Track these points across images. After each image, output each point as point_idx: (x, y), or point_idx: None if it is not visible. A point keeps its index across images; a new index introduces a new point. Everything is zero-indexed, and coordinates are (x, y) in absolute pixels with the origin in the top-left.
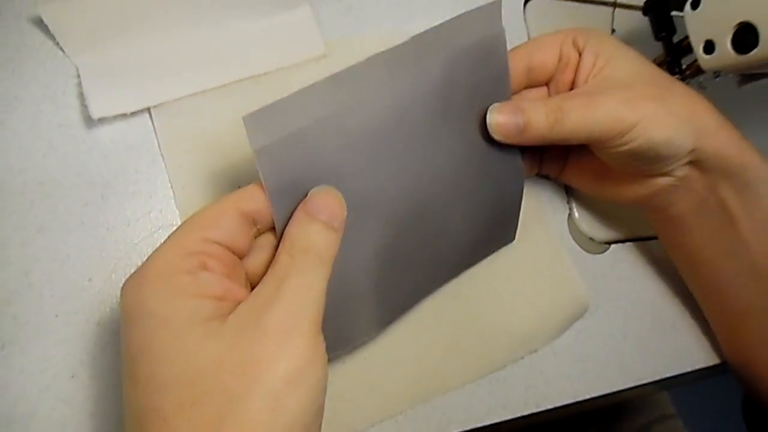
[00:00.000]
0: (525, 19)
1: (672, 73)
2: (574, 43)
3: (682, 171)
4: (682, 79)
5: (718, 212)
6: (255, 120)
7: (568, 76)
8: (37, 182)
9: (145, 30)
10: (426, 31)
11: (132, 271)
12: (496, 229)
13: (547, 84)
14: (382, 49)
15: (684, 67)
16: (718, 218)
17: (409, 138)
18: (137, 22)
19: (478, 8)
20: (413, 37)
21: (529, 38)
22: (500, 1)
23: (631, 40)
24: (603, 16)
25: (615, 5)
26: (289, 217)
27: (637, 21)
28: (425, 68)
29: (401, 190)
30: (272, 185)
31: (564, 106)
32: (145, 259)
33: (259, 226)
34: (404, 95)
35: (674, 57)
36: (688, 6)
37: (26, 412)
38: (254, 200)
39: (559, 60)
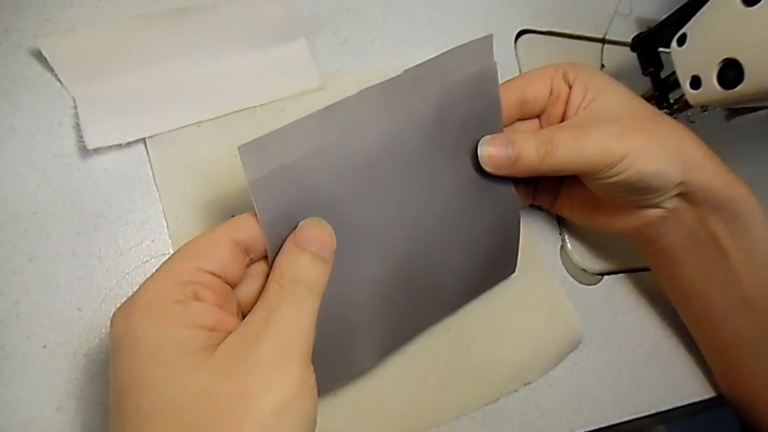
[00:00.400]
0: (516, 54)
1: (660, 107)
2: (565, 77)
3: (671, 203)
4: (671, 114)
5: (709, 244)
6: (250, 150)
7: (558, 109)
8: (30, 211)
9: (142, 62)
10: (419, 65)
11: (122, 301)
12: (496, 261)
13: (539, 116)
14: (376, 82)
15: (672, 101)
16: (709, 250)
17: (402, 170)
18: (134, 55)
19: (470, 42)
20: (407, 71)
21: (520, 72)
22: (492, 36)
23: (619, 75)
24: (592, 52)
25: (604, 41)
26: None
27: (626, 57)
28: (419, 101)
29: (396, 221)
30: (266, 215)
31: (554, 138)
32: (136, 288)
33: (251, 256)
34: (398, 128)
35: (662, 92)
36: (674, 42)
37: None
38: (247, 229)
39: (551, 93)
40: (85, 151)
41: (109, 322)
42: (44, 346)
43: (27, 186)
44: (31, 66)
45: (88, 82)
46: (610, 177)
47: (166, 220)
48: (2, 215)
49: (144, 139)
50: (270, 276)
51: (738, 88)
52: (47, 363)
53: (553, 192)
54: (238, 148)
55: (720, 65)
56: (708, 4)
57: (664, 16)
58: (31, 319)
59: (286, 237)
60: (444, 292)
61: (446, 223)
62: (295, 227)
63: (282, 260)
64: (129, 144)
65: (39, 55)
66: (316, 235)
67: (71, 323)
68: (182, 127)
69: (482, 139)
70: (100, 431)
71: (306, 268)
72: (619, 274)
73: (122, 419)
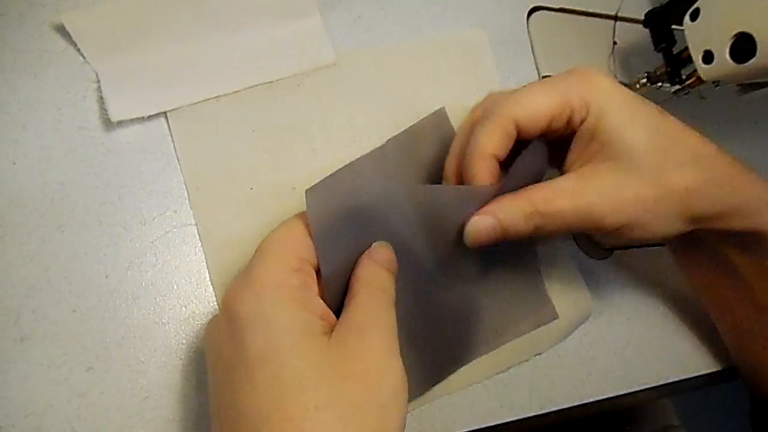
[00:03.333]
0: (528, 30)
1: (672, 83)
2: (571, 118)
3: (676, 238)
4: (682, 89)
5: (719, 258)
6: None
7: (559, 134)
8: (57, 182)
9: (163, 37)
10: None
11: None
12: (522, 301)
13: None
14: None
15: (684, 77)
16: (719, 260)
17: (404, 215)
18: (155, 30)
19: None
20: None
21: (532, 48)
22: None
23: (632, 52)
24: (605, 29)
25: (616, 18)
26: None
27: (638, 33)
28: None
29: (414, 260)
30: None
31: (546, 211)
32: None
33: None
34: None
35: (674, 67)
36: (687, 17)
37: (43, 403)
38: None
39: (550, 123)
40: (108, 124)
41: (134, 289)
42: (74, 311)
43: (54, 157)
44: (55, 40)
45: (110, 57)
46: (604, 235)
47: (187, 190)
48: (31, 186)
49: (165, 113)
50: (354, 285)
51: (751, 62)
52: (77, 326)
53: None
54: (306, 192)
55: (732, 39)
56: None
57: None
58: (61, 285)
59: (337, 256)
60: (474, 328)
61: (460, 265)
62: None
63: (364, 272)
64: (150, 117)
65: (62, 30)
66: (387, 254)
67: (99, 289)
68: (202, 101)
69: (470, 221)
70: (129, 391)
71: (386, 280)
72: (629, 249)
73: (256, 388)
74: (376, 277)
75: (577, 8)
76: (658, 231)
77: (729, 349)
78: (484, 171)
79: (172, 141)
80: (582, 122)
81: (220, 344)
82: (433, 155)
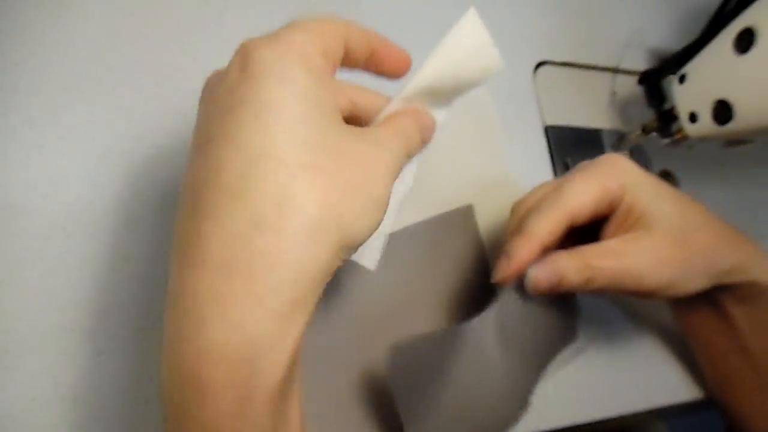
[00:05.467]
0: (535, 83)
1: (663, 136)
2: (612, 202)
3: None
4: (673, 144)
5: (713, 307)
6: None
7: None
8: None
9: None
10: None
11: None
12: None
13: None
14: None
15: (673, 131)
16: (712, 309)
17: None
18: None
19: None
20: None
21: (538, 100)
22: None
23: (629, 102)
24: (606, 81)
25: (616, 71)
26: None
27: (636, 84)
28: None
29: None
30: None
31: (596, 265)
32: None
33: None
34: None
35: (665, 122)
36: (676, 80)
37: (51, 386)
38: None
39: (595, 211)
40: None
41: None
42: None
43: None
44: None
45: None
46: (641, 295)
47: None
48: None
49: None
50: (390, 119)
51: (729, 125)
52: (144, 343)
53: None
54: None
55: (714, 104)
56: (705, 49)
57: (669, 55)
58: (131, 309)
59: None
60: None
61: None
62: None
63: (402, 122)
64: None
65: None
66: (430, 122)
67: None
68: None
69: (531, 268)
70: (137, 375)
71: (415, 138)
72: None
73: (257, 120)
74: (410, 130)
75: (580, 62)
76: (689, 288)
77: (713, 392)
78: (528, 252)
79: None
80: (620, 203)
81: (225, 89)
82: (458, 249)
